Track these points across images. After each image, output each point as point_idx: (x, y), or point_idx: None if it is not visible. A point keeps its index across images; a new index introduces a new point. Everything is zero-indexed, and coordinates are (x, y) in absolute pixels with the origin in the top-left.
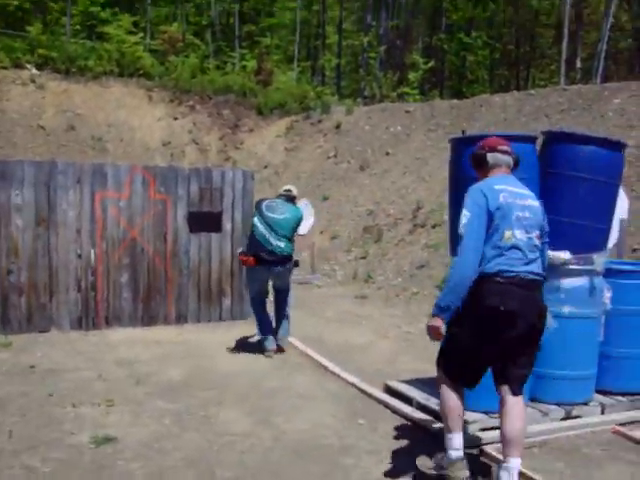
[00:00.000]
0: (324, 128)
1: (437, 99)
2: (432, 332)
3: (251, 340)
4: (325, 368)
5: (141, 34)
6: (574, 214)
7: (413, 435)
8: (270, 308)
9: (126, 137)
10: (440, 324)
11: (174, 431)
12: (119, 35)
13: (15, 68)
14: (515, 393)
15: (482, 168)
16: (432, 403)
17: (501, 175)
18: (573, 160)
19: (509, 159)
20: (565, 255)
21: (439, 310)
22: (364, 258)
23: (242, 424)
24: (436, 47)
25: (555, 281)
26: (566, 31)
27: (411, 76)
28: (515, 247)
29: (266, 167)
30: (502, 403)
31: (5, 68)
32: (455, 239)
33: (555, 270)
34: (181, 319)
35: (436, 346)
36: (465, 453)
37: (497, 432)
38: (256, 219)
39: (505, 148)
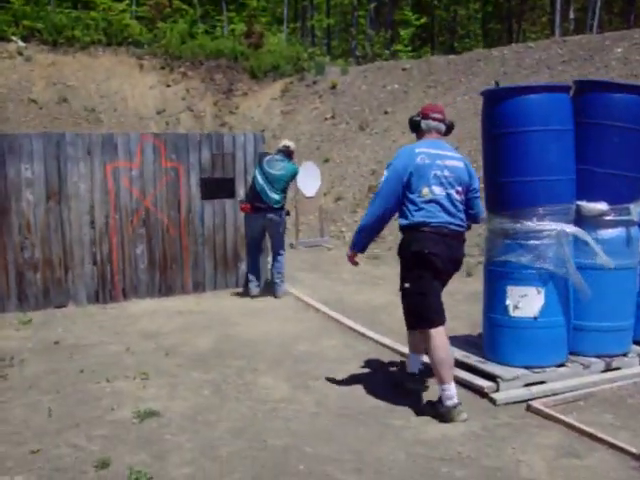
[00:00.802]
0: (319, 89)
1: (432, 56)
2: (349, 260)
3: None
4: (353, 330)
5: (127, 1)
6: (609, 164)
7: (458, 394)
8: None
9: (119, 107)
10: (351, 254)
11: (215, 402)
12: (105, 3)
13: (1, 41)
14: (436, 325)
15: (417, 132)
16: (472, 360)
17: (429, 139)
18: (608, 109)
19: (438, 125)
20: (602, 206)
21: (351, 245)
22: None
23: (281, 390)
24: (425, 3)
25: (592, 232)
26: None
27: (403, 33)
28: (433, 201)
29: (263, 131)
30: (429, 338)
31: None
32: (489, 190)
33: (591, 221)
34: (199, 287)
35: (459, 305)
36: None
37: (542, 387)
38: (257, 172)
39: (437, 115)
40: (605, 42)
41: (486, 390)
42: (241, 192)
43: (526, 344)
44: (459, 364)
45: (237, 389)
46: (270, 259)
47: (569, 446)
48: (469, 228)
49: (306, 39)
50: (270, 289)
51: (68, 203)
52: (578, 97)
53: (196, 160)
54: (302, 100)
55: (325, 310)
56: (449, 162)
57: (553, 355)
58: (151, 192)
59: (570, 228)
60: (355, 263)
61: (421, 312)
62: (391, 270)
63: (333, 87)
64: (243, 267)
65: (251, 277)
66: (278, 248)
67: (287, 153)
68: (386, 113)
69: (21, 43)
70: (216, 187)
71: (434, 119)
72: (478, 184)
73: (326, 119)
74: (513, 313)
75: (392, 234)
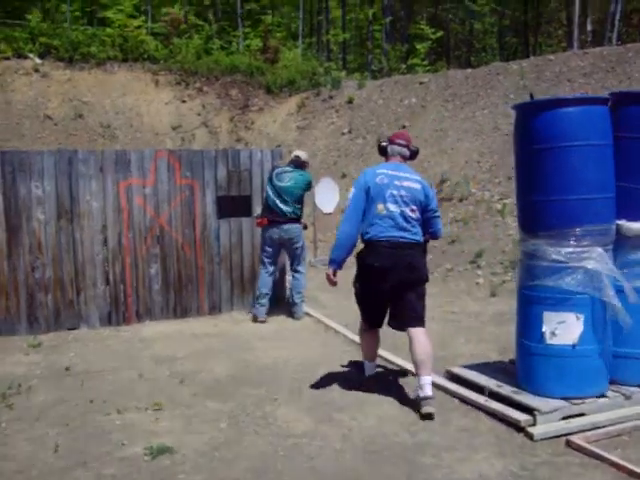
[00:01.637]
0: (336, 104)
1: (448, 70)
2: (327, 279)
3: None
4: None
5: (143, 17)
6: None
7: (491, 427)
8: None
9: (135, 123)
10: (330, 272)
11: (232, 436)
12: (120, 19)
13: (17, 58)
14: (413, 326)
15: (385, 156)
16: (506, 390)
17: (391, 163)
18: None
19: (402, 149)
20: None
21: (329, 262)
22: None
23: (304, 423)
24: (441, 17)
25: (632, 254)
26: None
27: (420, 47)
28: (388, 217)
29: (279, 146)
30: (409, 338)
31: (7, 59)
32: (523, 210)
33: (632, 241)
34: (215, 309)
35: (485, 327)
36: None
37: (581, 419)
38: (268, 187)
39: (401, 141)
40: (628, 54)
41: (523, 424)
42: (258, 210)
43: (564, 373)
44: (492, 394)
45: (256, 422)
46: (289, 277)
47: None
48: (427, 242)
49: (321, 54)
50: (288, 309)
51: (80, 222)
52: (616, 110)
53: (212, 177)
54: (318, 115)
55: (346, 333)
56: (406, 183)
57: (593, 385)
58: (165, 210)
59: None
60: (334, 283)
61: (360, 308)
62: None
63: (350, 102)
64: None
65: (259, 295)
66: (297, 264)
67: (298, 164)
68: (404, 127)
69: (37, 60)
70: (232, 205)
71: (398, 144)
72: (435, 204)
73: (343, 134)
74: (550, 340)
75: None
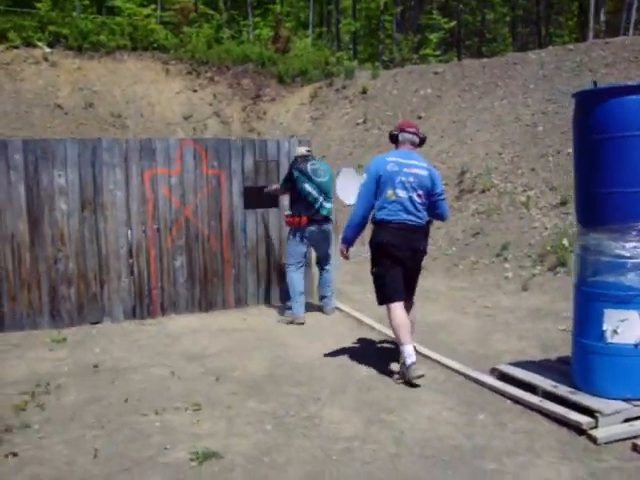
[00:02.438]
0: (349, 94)
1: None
2: (341, 254)
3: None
4: (416, 351)
5: (152, 6)
6: None
7: (550, 430)
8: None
9: (146, 112)
10: (344, 249)
11: (280, 439)
12: (130, 8)
13: (27, 47)
14: (411, 299)
15: (395, 144)
16: (562, 391)
17: (401, 150)
18: None
19: (412, 137)
20: None
21: (342, 241)
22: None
23: (353, 425)
24: (452, 7)
25: None
26: None
27: (432, 37)
28: (397, 202)
29: (292, 137)
30: (405, 305)
31: (16, 47)
32: (582, 203)
33: None
34: (241, 303)
35: (522, 323)
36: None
37: None
38: (304, 183)
39: (411, 129)
40: None
41: (585, 427)
42: (285, 201)
43: (625, 374)
44: (546, 394)
45: (302, 423)
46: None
47: None
48: (431, 223)
49: (331, 44)
50: (315, 304)
51: (104, 213)
52: None
53: (239, 167)
54: (332, 105)
55: (380, 328)
56: (414, 170)
57: None
58: (191, 201)
59: None
60: (347, 257)
61: (385, 291)
62: (441, 282)
63: (363, 92)
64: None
65: (297, 295)
66: (328, 259)
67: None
68: (420, 118)
69: (47, 49)
70: (259, 196)
71: (409, 132)
72: (441, 189)
73: (357, 124)
74: (611, 339)
75: (435, 244)
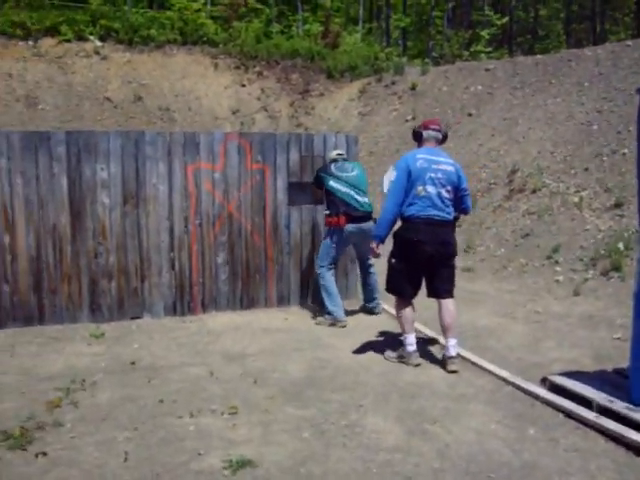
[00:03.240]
0: (398, 90)
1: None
2: (372, 252)
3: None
4: (463, 358)
5: (202, 0)
6: None
7: (605, 449)
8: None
9: (194, 106)
10: (375, 246)
11: (318, 448)
12: (180, 2)
13: (78, 40)
14: (445, 297)
15: (419, 141)
16: (619, 406)
17: (428, 147)
18: None
19: (437, 134)
20: None
21: (374, 238)
22: (459, 227)
23: (395, 435)
24: (504, 2)
25: None
26: None
27: (484, 33)
28: (426, 198)
29: (339, 132)
30: (439, 306)
31: (68, 41)
32: None
33: None
34: (283, 301)
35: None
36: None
37: None
38: (332, 183)
39: (435, 127)
40: None
41: None
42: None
43: None
44: (601, 409)
45: (342, 432)
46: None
47: None
48: (458, 219)
49: (381, 39)
50: (363, 306)
51: (146, 207)
52: None
53: (284, 162)
54: (380, 101)
55: (427, 332)
56: (442, 166)
57: None
58: (235, 196)
59: None
60: (378, 255)
61: (396, 284)
62: (489, 285)
63: (413, 88)
64: None
65: (336, 297)
66: (369, 260)
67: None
68: (470, 115)
69: (98, 42)
70: (304, 192)
71: (433, 129)
72: (466, 184)
73: (406, 121)
74: None
75: (483, 244)
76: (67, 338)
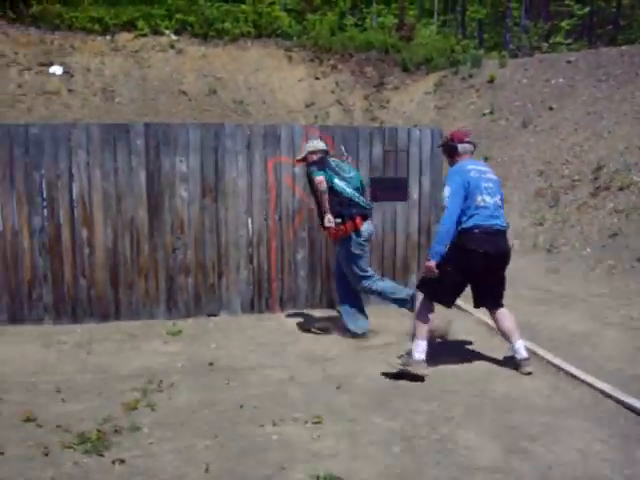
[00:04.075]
0: (476, 83)
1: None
2: (429, 270)
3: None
4: (557, 367)
5: None
6: None
7: None
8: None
9: (268, 99)
10: (433, 265)
11: (410, 466)
12: None
13: (154, 35)
14: (502, 304)
15: (453, 155)
16: None
17: (470, 159)
18: None
19: (471, 147)
20: None
21: (433, 255)
22: (541, 225)
23: (490, 453)
24: None
25: None
26: None
27: (564, 24)
28: (484, 207)
29: (415, 126)
30: (493, 314)
31: (144, 35)
32: None
33: None
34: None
35: None
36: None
37: None
38: (339, 183)
39: (469, 139)
40: None
41: None
42: (414, 195)
43: None
44: None
45: (434, 447)
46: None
47: None
48: (508, 226)
49: (457, 31)
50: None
51: (225, 201)
52: None
53: (366, 157)
54: (457, 94)
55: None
56: (490, 176)
57: None
58: None
59: None
60: (434, 275)
61: (441, 291)
62: (577, 287)
63: (491, 81)
64: (413, 279)
65: (362, 312)
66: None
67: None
68: (551, 109)
69: (173, 36)
70: (387, 188)
71: (468, 142)
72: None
73: (484, 114)
74: None
75: (568, 243)
76: (143, 335)
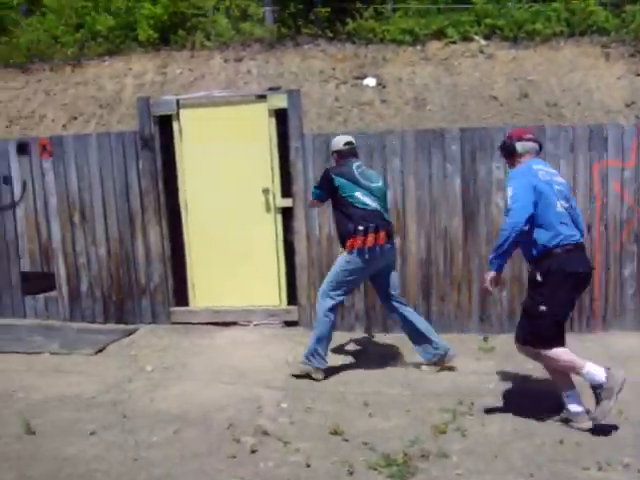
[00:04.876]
0: None
1: None
2: (486, 284)
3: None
4: None
5: None
6: None
7: None
8: None
9: (583, 100)
10: (492, 276)
11: None
12: None
13: (463, 41)
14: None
15: (512, 156)
16: None
17: (533, 159)
18: None
19: (534, 145)
20: None
21: (495, 268)
22: None
23: None
24: None
25: None
26: None
27: None
28: (564, 215)
29: None
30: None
31: (454, 42)
32: None
33: None
34: None
35: None
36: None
37: None
38: (357, 189)
39: (530, 136)
40: None
41: None
42: None
43: None
44: None
45: None
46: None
47: None
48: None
49: None
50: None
51: None
52: None
53: None
54: None
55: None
56: (558, 179)
57: None
58: None
59: None
60: (490, 291)
61: (552, 334)
62: None
63: None
64: None
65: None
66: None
67: (354, 152)
68: None
69: (483, 41)
70: None
71: (529, 140)
72: None
73: None
74: None
75: None
76: (456, 349)
